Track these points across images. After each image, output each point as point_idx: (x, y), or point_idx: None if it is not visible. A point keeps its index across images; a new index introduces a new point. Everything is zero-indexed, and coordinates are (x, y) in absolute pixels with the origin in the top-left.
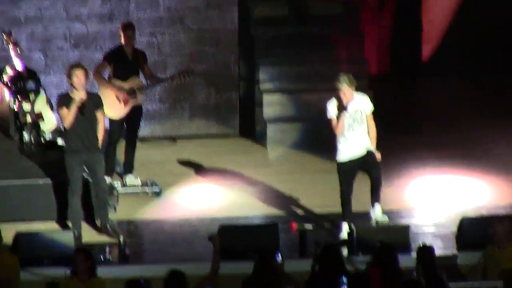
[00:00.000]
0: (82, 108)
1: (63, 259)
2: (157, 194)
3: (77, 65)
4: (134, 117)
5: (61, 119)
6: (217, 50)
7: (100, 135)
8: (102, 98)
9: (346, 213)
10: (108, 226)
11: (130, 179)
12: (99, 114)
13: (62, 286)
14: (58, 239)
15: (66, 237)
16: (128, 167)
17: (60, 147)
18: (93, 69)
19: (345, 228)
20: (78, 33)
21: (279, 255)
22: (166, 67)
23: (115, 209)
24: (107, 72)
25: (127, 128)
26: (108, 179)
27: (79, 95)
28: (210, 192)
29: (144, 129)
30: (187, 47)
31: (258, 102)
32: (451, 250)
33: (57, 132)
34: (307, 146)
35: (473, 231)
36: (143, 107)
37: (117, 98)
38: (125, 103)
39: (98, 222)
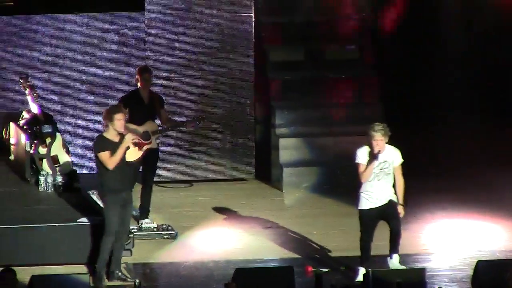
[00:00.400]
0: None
1: None
2: (173, 237)
3: (117, 109)
4: (150, 160)
5: (104, 162)
6: (233, 93)
7: None
8: None
9: (364, 259)
10: (119, 273)
11: (146, 223)
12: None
13: None
14: (73, 281)
15: (81, 280)
16: (144, 211)
17: (76, 189)
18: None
19: (361, 272)
20: (94, 77)
21: None
22: (182, 111)
23: (131, 252)
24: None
25: (143, 172)
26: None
27: (129, 137)
28: (226, 236)
29: (160, 173)
30: (203, 91)
31: (274, 145)
32: None
33: (73, 175)
34: (323, 190)
35: (488, 274)
36: (159, 151)
37: (132, 142)
38: (140, 147)
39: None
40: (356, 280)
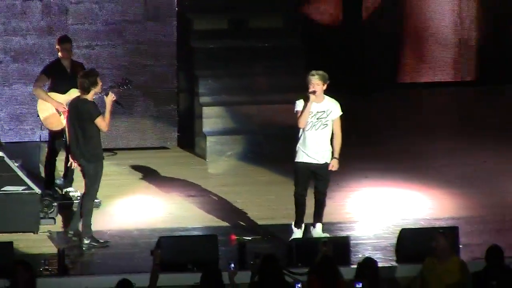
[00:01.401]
0: None
1: (2, 271)
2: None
3: (95, 72)
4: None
5: (101, 125)
6: (155, 62)
7: None
8: (41, 111)
9: (298, 215)
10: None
11: (70, 191)
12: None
13: None
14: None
15: (5, 249)
16: (68, 180)
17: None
18: (33, 83)
19: (296, 233)
20: (17, 46)
21: (233, 264)
22: (105, 80)
23: (54, 221)
24: (46, 85)
25: (65, 140)
26: (49, 191)
27: (110, 97)
28: (150, 204)
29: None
30: (125, 59)
31: (197, 114)
32: (390, 262)
33: None
34: (246, 159)
35: (412, 243)
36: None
37: (57, 110)
38: (65, 115)
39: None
40: (290, 239)
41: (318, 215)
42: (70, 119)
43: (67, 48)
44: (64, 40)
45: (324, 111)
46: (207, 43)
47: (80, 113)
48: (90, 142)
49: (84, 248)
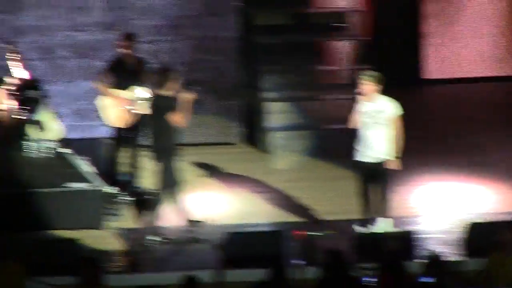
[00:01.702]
0: None
1: (70, 267)
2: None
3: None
4: (136, 125)
5: (180, 121)
6: (217, 58)
7: None
8: (104, 107)
9: (363, 211)
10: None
11: (134, 187)
12: None
13: None
14: (65, 248)
15: (71, 246)
16: (133, 175)
17: (65, 154)
18: (95, 79)
19: (364, 227)
20: (80, 41)
21: (300, 260)
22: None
23: (119, 217)
24: (108, 81)
25: (131, 136)
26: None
27: (188, 96)
28: (215, 200)
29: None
30: (186, 55)
31: (260, 110)
32: (457, 256)
33: (61, 141)
34: (310, 154)
35: (480, 237)
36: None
37: (119, 106)
38: (127, 111)
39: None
40: (356, 233)
41: (382, 210)
42: (149, 115)
43: (129, 45)
44: (127, 37)
45: (378, 111)
46: (270, 38)
47: (158, 108)
48: (167, 137)
49: (149, 244)
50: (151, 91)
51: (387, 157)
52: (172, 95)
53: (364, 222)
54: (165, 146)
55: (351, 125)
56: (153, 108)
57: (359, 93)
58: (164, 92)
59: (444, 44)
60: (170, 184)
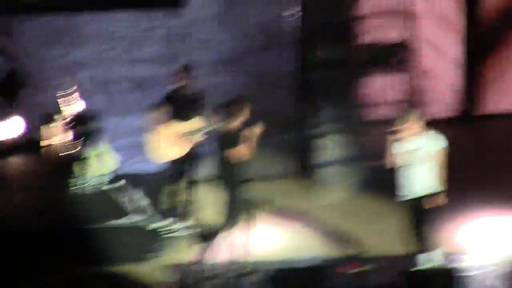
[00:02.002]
0: None
1: None
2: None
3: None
4: (193, 157)
5: (240, 155)
6: (275, 91)
7: None
8: (158, 140)
9: (413, 246)
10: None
11: (180, 222)
12: None
13: None
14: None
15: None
16: (181, 212)
17: (121, 188)
18: (153, 111)
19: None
20: (139, 74)
21: None
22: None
23: (167, 251)
24: (166, 113)
25: (186, 169)
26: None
27: (256, 129)
28: (280, 234)
29: (204, 170)
30: (244, 88)
31: (316, 143)
32: None
33: (118, 174)
34: (365, 188)
35: None
36: (202, 148)
37: (176, 138)
38: (183, 144)
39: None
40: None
41: (429, 243)
42: (215, 147)
43: (188, 77)
44: (184, 68)
45: (422, 147)
46: (326, 72)
47: (225, 141)
48: (232, 170)
49: (200, 279)
50: (209, 122)
51: (432, 191)
52: (239, 127)
53: (415, 258)
54: (230, 179)
55: (386, 163)
56: (220, 140)
57: (400, 131)
58: (233, 123)
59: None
60: (231, 217)
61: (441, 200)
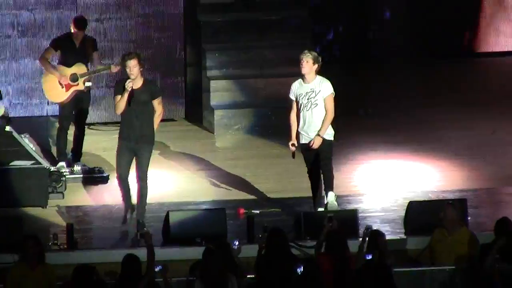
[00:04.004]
0: (131, 97)
1: (12, 245)
2: (105, 180)
3: (128, 55)
4: (81, 103)
5: (114, 106)
6: (163, 35)
7: (155, 124)
8: (44, 82)
9: (313, 193)
10: (142, 222)
11: (78, 165)
12: (155, 104)
13: (11, 272)
14: (6, 225)
15: (14, 224)
16: (77, 154)
17: (8, 133)
18: (40, 54)
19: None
20: (25, 20)
21: (236, 242)
22: (113, 53)
23: (63, 195)
24: (55, 58)
25: (75, 115)
26: (61, 164)
27: (128, 84)
28: (158, 178)
29: (92, 115)
30: (132, 32)
31: (205, 87)
32: (399, 234)
33: (5, 119)
34: (254, 132)
35: (421, 215)
36: (90, 93)
37: (59, 83)
38: (67, 88)
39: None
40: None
41: (327, 186)
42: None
43: (79, 34)
44: (79, 25)
45: (312, 91)
46: (214, 16)
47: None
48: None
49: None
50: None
51: (327, 136)
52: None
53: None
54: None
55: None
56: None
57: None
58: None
59: None
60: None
61: (316, 143)
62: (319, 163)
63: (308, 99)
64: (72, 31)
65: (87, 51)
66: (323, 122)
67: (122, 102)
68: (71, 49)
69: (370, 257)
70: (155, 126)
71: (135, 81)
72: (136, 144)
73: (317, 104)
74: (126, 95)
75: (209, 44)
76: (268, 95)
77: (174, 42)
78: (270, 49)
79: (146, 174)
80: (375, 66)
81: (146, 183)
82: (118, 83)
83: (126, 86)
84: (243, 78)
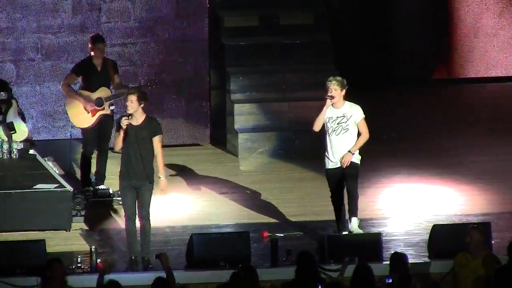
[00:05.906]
0: (129, 133)
1: (35, 268)
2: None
3: (130, 89)
4: (105, 127)
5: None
6: (187, 59)
7: (159, 162)
8: (69, 109)
9: (335, 216)
10: (149, 260)
11: (101, 188)
12: (155, 141)
13: None
14: (30, 248)
15: (38, 247)
16: (100, 177)
17: (32, 156)
18: (62, 81)
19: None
20: (49, 44)
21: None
22: (137, 78)
23: (85, 217)
24: (77, 83)
25: (98, 138)
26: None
27: (123, 122)
28: (182, 201)
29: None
30: (157, 57)
31: (229, 111)
32: (423, 258)
33: (29, 142)
34: (278, 155)
35: (444, 238)
36: (114, 117)
37: (85, 108)
38: (93, 113)
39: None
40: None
41: (351, 210)
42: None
43: (100, 48)
44: (98, 40)
45: (344, 116)
46: (238, 40)
47: None
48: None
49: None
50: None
51: (355, 160)
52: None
53: (334, 224)
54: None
55: (314, 128)
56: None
57: (328, 97)
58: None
59: None
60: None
61: (347, 160)
62: (343, 186)
63: (338, 123)
64: (92, 53)
65: (109, 74)
66: (357, 141)
67: (118, 139)
68: (93, 73)
69: (390, 280)
70: (160, 164)
71: (136, 118)
72: (137, 182)
73: (348, 129)
74: (121, 132)
75: (233, 68)
76: (292, 119)
77: (198, 66)
78: (293, 73)
79: (148, 212)
80: (398, 89)
81: (149, 220)
82: (120, 119)
83: (121, 123)
84: (267, 101)
